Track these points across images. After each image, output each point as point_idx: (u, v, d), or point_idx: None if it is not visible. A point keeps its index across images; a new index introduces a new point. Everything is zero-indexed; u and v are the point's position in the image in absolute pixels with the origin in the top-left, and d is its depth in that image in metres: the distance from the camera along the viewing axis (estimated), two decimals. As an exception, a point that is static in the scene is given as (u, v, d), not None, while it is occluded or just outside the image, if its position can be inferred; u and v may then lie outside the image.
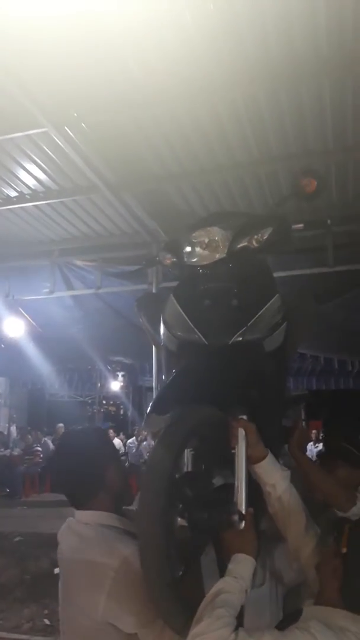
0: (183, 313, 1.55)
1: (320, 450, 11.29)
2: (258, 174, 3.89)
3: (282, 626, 1.29)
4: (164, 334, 1.65)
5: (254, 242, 1.58)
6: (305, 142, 3.50)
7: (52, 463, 1.88)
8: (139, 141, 3.49)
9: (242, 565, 1.33)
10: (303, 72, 2.87)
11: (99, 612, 1.34)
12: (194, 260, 1.60)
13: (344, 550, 1.31)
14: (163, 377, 1.76)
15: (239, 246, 1.57)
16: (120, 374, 11.45)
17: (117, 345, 7.31)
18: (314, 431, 12.77)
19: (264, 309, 1.51)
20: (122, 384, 11.97)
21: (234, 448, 1.42)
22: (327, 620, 1.23)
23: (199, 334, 1.49)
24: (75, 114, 3.23)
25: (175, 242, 1.68)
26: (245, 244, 1.58)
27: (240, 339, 1.46)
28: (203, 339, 1.48)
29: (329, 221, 4.40)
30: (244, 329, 1.47)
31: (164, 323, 1.64)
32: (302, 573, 1.56)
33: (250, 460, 1.43)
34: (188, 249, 1.60)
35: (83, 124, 3.33)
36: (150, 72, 2.86)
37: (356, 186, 4.05)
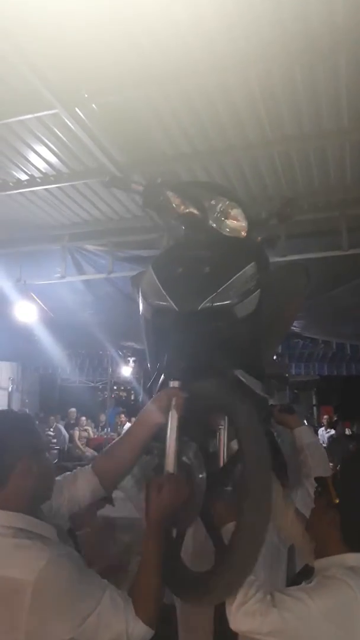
0: (157, 280, 1.59)
1: (331, 435, 11.35)
2: (271, 154, 3.83)
3: (297, 584, 1.39)
4: (141, 302, 1.69)
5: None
6: (319, 121, 3.43)
7: None
8: (150, 121, 3.44)
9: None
10: (318, 49, 2.79)
11: (21, 635, 1.20)
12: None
13: (337, 501, 1.39)
14: (145, 345, 1.79)
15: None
16: (131, 359, 11.47)
17: (128, 330, 7.31)
18: (325, 416, 12.79)
19: (236, 276, 1.53)
20: (133, 369, 12.00)
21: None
22: (342, 566, 1.32)
23: (170, 300, 1.52)
24: (85, 95, 3.19)
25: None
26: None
27: (210, 304, 1.48)
28: (173, 305, 1.51)
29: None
30: (214, 295, 1.49)
31: (142, 292, 1.68)
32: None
33: None
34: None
35: (94, 105, 3.29)
36: (162, 50, 2.80)
37: (371, 167, 3.97)
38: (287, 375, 2.41)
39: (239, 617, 1.26)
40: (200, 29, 2.65)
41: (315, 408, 13.92)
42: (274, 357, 2.46)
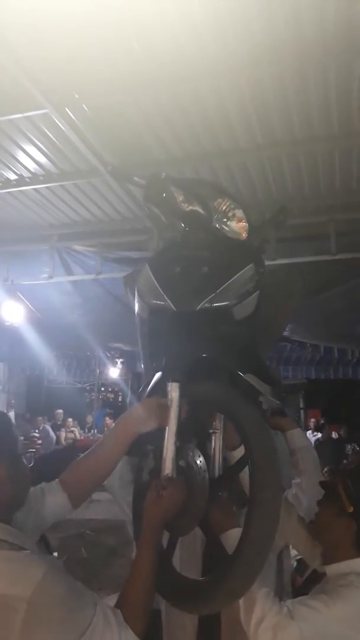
0: (154, 279, 1.56)
1: (318, 439, 11.44)
2: (261, 160, 3.84)
3: (306, 589, 1.40)
4: (137, 302, 1.66)
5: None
6: (310, 127, 3.44)
7: None
8: (141, 124, 3.43)
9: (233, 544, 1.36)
10: (309, 56, 2.81)
11: None
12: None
13: (351, 509, 1.42)
14: (140, 346, 1.76)
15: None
16: (119, 360, 11.44)
17: (116, 331, 7.28)
18: (312, 420, 12.85)
19: (235, 277, 1.50)
20: (120, 370, 11.97)
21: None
22: (356, 570, 1.33)
23: (168, 299, 1.49)
24: (76, 95, 3.17)
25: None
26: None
27: (209, 305, 1.46)
28: (171, 305, 1.48)
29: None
30: (212, 295, 1.46)
31: (138, 291, 1.64)
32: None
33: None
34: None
35: (84, 106, 3.27)
36: (154, 54, 2.80)
37: (360, 173, 4.00)
38: (280, 380, 2.40)
39: (259, 634, 1.25)
40: (193, 35, 2.65)
41: (302, 411, 13.99)
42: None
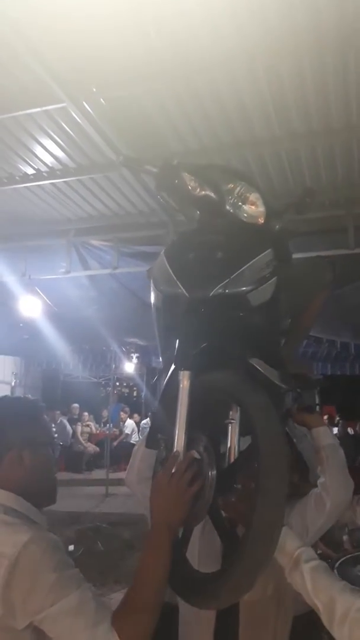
0: (168, 267, 1.52)
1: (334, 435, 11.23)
2: (278, 151, 3.81)
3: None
4: (152, 291, 1.63)
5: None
6: (328, 118, 3.40)
7: None
8: (158, 116, 3.42)
9: (285, 540, 1.36)
10: (327, 44, 2.77)
11: None
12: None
13: None
14: (157, 338, 1.72)
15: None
16: (134, 355, 11.46)
17: (132, 326, 7.30)
18: (325, 416, 12.75)
19: (250, 262, 1.45)
20: (136, 365, 12.00)
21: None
22: None
23: (181, 286, 1.46)
24: (94, 89, 3.18)
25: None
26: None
27: (223, 290, 1.41)
28: (184, 291, 1.45)
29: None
30: (227, 280, 1.41)
31: (153, 280, 1.61)
32: None
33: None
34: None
35: (102, 99, 3.28)
36: (171, 44, 2.79)
37: (379, 165, 3.94)
38: (312, 376, 2.31)
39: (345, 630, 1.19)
40: (210, 24, 2.64)
41: (318, 407, 13.88)
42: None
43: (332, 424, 11.71)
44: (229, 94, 3.17)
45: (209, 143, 3.70)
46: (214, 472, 1.37)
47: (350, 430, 11.75)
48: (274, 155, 3.85)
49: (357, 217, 4.40)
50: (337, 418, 12.41)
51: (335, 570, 3.37)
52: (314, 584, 1.30)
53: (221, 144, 3.69)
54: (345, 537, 4.77)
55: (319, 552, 2.46)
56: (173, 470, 1.31)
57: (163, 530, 1.28)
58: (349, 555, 3.63)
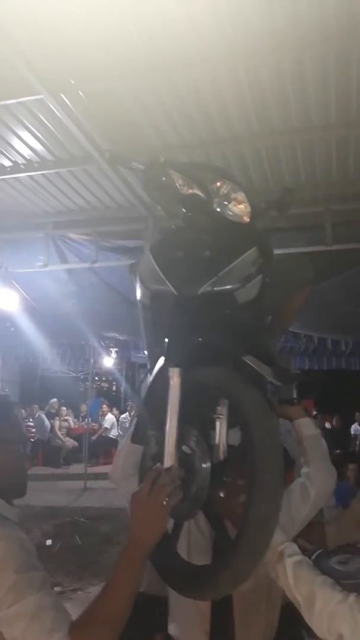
0: (155, 264, 1.54)
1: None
2: (258, 148, 3.82)
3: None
4: (139, 288, 1.64)
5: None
6: (307, 116, 3.42)
7: None
8: (137, 111, 3.40)
9: None
10: (307, 44, 2.78)
11: None
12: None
13: None
14: (143, 333, 1.74)
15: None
16: (113, 350, 11.44)
17: (111, 320, 7.28)
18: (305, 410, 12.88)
19: (237, 260, 1.48)
20: (115, 360, 11.98)
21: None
22: None
23: (169, 284, 1.48)
24: (72, 81, 3.13)
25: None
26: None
27: (210, 288, 1.44)
28: (172, 289, 1.47)
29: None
30: (214, 279, 1.44)
31: (139, 277, 1.63)
32: None
33: None
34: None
35: (80, 92, 3.23)
36: (150, 39, 2.76)
37: (357, 163, 3.98)
38: (290, 369, 2.37)
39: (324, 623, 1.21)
40: (190, 21, 2.62)
41: (295, 402, 14.03)
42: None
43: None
44: (209, 90, 3.16)
45: (188, 138, 3.68)
46: (207, 467, 1.39)
47: (327, 425, 11.93)
48: (253, 152, 3.87)
49: (335, 214, 4.44)
50: (314, 412, 12.57)
51: (312, 562, 3.45)
52: (296, 578, 1.32)
53: (200, 139, 3.68)
54: (321, 530, 4.87)
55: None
56: (152, 485, 1.28)
57: (138, 548, 1.25)
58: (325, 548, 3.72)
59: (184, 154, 3.86)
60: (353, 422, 12.13)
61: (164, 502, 1.24)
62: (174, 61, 2.91)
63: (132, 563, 1.24)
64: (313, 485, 1.74)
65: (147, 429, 1.62)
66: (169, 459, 1.37)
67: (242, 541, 1.26)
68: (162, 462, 1.38)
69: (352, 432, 11.96)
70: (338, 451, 10.02)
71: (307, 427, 1.85)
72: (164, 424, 1.40)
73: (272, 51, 2.83)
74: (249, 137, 3.65)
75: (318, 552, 2.45)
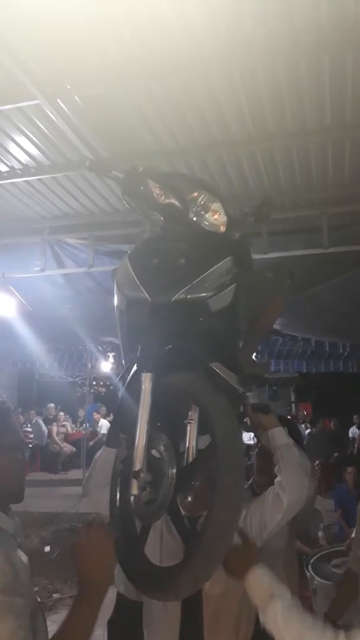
0: (132, 271, 1.58)
1: (310, 432, 11.57)
2: (254, 152, 3.83)
3: None
4: (115, 294, 1.69)
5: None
6: (303, 119, 3.43)
7: None
8: (133, 116, 3.41)
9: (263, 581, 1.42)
10: (302, 46, 2.79)
11: None
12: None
13: None
14: (119, 339, 1.78)
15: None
16: (111, 354, 11.41)
17: (108, 325, 7.23)
18: (301, 413, 12.92)
19: (211, 269, 1.52)
20: (112, 364, 11.95)
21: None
22: None
23: (144, 290, 1.52)
24: (68, 86, 3.14)
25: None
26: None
27: (184, 296, 1.47)
28: (147, 296, 1.50)
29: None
30: (188, 286, 1.48)
31: (116, 283, 1.67)
32: None
33: None
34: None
35: (76, 97, 3.24)
36: (146, 44, 2.77)
37: (353, 166, 4.00)
38: (266, 376, 2.39)
39: None
40: (185, 24, 2.63)
41: (293, 405, 14.07)
42: (254, 356, 2.45)
43: (309, 421, 11.86)
44: (204, 94, 3.17)
45: (184, 142, 3.69)
46: (174, 471, 1.43)
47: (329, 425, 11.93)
48: (249, 156, 3.88)
49: (331, 217, 4.45)
50: (310, 415, 12.61)
51: (310, 566, 3.45)
52: (285, 620, 1.34)
53: (196, 143, 3.69)
54: (320, 534, 4.87)
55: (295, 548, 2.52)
56: (89, 530, 1.36)
57: (91, 591, 1.32)
58: (324, 552, 3.71)
59: (180, 158, 3.87)
60: (351, 425, 12.14)
61: (106, 542, 1.33)
62: (169, 65, 2.92)
63: (87, 608, 1.30)
64: (285, 493, 1.77)
65: (120, 432, 1.66)
66: (137, 462, 1.41)
67: (201, 541, 1.30)
68: (131, 465, 1.43)
69: (350, 435, 11.96)
70: (336, 454, 10.02)
71: (279, 436, 1.88)
72: (135, 428, 1.43)
73: (267, 53, 2.84)
74: (245, 140, 3.65)
75: (317, 555, 2.48)
